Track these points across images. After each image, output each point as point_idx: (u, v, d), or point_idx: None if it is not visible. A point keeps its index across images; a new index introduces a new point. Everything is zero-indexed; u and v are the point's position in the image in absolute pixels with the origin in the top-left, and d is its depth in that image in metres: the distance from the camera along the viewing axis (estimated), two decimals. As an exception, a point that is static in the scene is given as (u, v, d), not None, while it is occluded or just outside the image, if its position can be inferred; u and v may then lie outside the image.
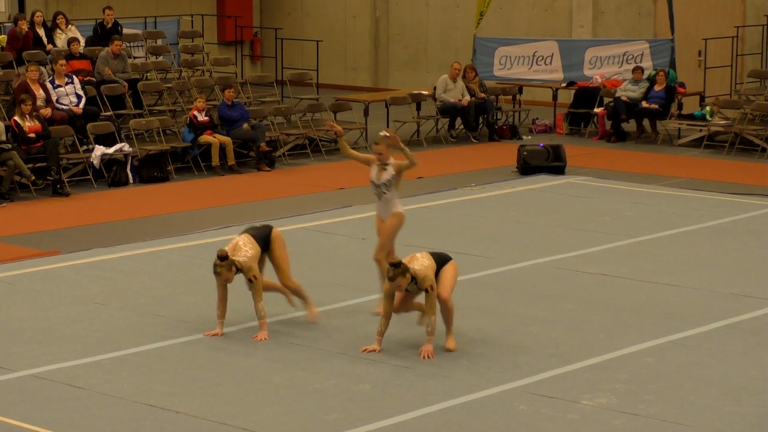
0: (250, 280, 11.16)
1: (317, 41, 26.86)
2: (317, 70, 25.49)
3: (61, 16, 22.21)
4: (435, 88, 23.51)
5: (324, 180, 19.44)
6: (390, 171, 11.77)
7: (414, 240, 14.83)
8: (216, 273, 11.11)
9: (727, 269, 13.82)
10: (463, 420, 9.36)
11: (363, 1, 29.89)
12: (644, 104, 22.89)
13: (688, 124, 23.02)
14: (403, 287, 10.68)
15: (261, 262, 11.47)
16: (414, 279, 10.66)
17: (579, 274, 13.66)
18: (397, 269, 10.56)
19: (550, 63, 25.03)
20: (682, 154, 21.97)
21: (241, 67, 27.52)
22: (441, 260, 10.95)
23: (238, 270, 11.12)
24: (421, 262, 10.74)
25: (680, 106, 23.52)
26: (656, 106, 22.86)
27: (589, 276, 13.57)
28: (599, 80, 24.19)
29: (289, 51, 28.02)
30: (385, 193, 11.81)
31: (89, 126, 19.47)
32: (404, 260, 10.68)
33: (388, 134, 11.91)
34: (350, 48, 30.16)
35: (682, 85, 23.65)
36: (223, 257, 11.06)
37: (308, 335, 11.38)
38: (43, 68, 20.18)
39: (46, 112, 18.97)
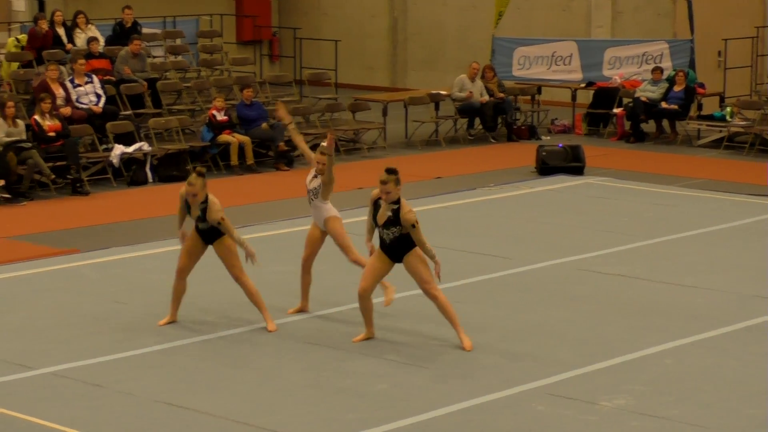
0: (218, 222, 11.21)
1: (335, 41, 26.87)
2: (335, 70, 25.52)
3: (81, 15, 22.26)
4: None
5: (342, 179, 19.27)
6: (319, 180, 11.78)
7: (432, 240, 14.81)
8: (189, 183, 11.17)
9: (748, 270, 13.78)
10: (483, 420, 9.35)
11: (381, 1, 29.90)
12: (663, 105, 22.84)
13: (707, 125, 22.98)
14: (391, 195, 10.66)
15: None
16: (398, 207, 10.66)
17: (598, 274, 13.64)
18: (391, 174, 10.66)
19: (569, 63, 25.01)
20: (702, 155, 21.92)
21: (260, 67, 27.55)
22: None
23: (205, 203, 11.20)
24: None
25: (700, 107, 23.46)
26: (675, 107, 22.81)
27: (609, 277, 13.54)
28: (618, 81, 24.14)
29: (308, 51, 28.04)
30: (312, 199, 11.82)
31: (109, 125, 19.51)
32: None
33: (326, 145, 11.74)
34: (368, 47, 30.16)
35: (702, 85, 23.59)
36: (201, 174, 11.23)
37: (328, 335, 11.38)
38: (62, 67, 20.22)
39: (66, 111, 19.01)
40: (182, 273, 11.61)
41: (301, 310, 11.99)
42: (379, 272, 10.99)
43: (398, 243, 10.82)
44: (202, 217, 11.25)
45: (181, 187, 11.35)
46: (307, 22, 30.23)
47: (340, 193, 18.19)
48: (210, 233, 11.34)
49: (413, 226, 10.66)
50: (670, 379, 10.26)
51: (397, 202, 10.75)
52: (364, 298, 11.05)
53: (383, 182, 10.72)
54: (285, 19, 30.69)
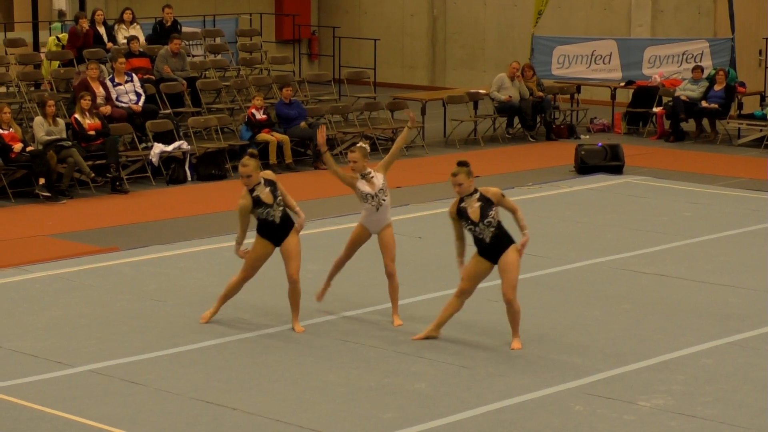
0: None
1: (375, 40, 26.88)
2: (374, 69, 25.54)
3: (128, 11, 22.36)
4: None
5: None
6: (378, 176, 11.60)
7: (468, 240, 14.80)
8: (242, 164, 11.20)
9: (787, 270, 13.71)
10: (519, 420, 9.33)
11: (420, 0, 29.88)
12: (703, 104, 22.73)
13: (748, 124, 22.86)
14: (463, 187, 10.73)
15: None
16: (480, 194, 10.73)
17: (636, 274, 13.59)
18: (461, 167, 10.73)
19: (609, 62, 24.93)
20: (742, 154, 21.79)
21: (299, 66, 27.60)
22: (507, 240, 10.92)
23: (271, 184, 11.23)
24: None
25: (740, 106, 23.34)
26: (716, 106, 22.69)
27: (647, 276, 13.49)
28: (658, 79, 24.05)
29: (347, 49, 28.07)
30: (383, 201, 11.58)
31: (148, 124, 19.60)
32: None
33: (364, 145, 11.74)
34: (407, 46, 30.16)
35: (743, 84, 23.47)
36: (254, 155, 11.30)
37: (363, 333, 11.39)
38: (103, 66, 20.33)
39: (106, 109, 19.11)
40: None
41: (326, 289, 12.05)
42: (482, 274, 11.00)
43: (497, 241, 10.80)
44: (275, 200, 11.21)
45: (239, 201, 11.24)
46: (347, 21, 30.27)
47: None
48: (284, 226, 11.29)
49: (489, 202, 10.70)
50: (707, 379, 10.21)
51: (476, 191, 10.78)
52: (460, 298, 11.06)
53: (454, 174, 10.79)
54: (324, 18, 30.74)
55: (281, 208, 11.27)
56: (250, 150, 11.45)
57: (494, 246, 10.82)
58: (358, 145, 11.74)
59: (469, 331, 11.43)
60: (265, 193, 11.22)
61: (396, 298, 11.73)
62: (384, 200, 11.57)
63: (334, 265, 11.99)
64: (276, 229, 11.28)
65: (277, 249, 11.38)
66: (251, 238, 11.43)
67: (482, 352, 10.88)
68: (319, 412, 9.49)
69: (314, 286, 12.25)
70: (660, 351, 10.93)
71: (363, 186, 11.49)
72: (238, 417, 9.37)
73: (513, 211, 10.79)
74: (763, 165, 20.62)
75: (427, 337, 11.16)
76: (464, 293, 11.05)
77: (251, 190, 11.22)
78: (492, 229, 10.78)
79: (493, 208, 10.75)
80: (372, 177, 11.53)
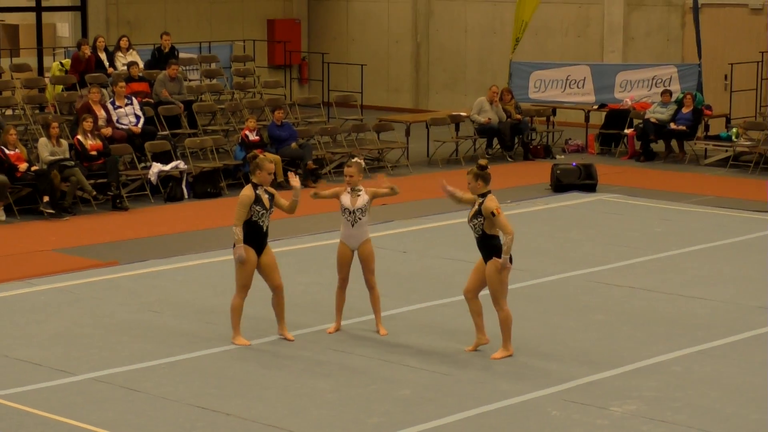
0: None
1: (362, 65, 26.89)
2: (361, 92, 25.54)
3: (124, 38, 22.37)
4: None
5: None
6: (364, 197, 11.52)
7: (453, 253, 14.82)
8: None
9: (752, 283, 13.71)
10: (499, 424, 9.33)
11: (405, 27, 29.93)
12: (672, 126, 22.78)
13: (714, 145, 22.91)
14: (470, 187, 10.86)
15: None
16: (482, 201, 10.76)
17: (609, 286, 13.60)
18: (479, 170, 10.83)
19: (583, 86, 24.98)
20: (709, 173, 21.84)
21: (290, 90, 27.59)
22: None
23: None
24: (495, 200, 10.84)
25: (707, 128, 23.40)
26: (684, 128, 22.75)
27: (619, 288, 13.50)
28: (629, 103, 24.10)
29: (335, 74, 28.09)
30: (359, 218, 11.48)
31: (147, 144, 19.57)
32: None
33: (360, 160, 11.70)
34: (393, 71, 30.19)
35: (709, 107, 23.52)
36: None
37: (352, 343, 11.37)
38: (104, 90, 20.31)
39: (107, 131, 19.08)
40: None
41: (337, 330, 11.75)
42: (480, 273, 10.98)
43: (480, 243, 10.86)
44: (270, 207, 11.14)
45: (243, 192, 11.12)
46: (335, 48, 30.29)
47: (365, 209, 18.25)
48: (267, 236, 11.21)
49: (493, 214, 10.69)
50: (677, 386, 10.21)
51: (483, 196, 10.81)
52: (468, 299, 11.07)
53: (467, 173, 10.98)
54: (314, 45, 30.77)
55: (269, 218, 11.22)
56: (480, 162, 11.10)
57: (480, 249, 10.91)
58: (354, 159, 11.69)
59: (452, 339, 11.43)
60: (265, 197, 11.16)
61: (378, 308, 11.70)
62: (360, 218, 11.49)
63: (337, 297, 11.69)
64: (261, 237, 11.19)
65: None
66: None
67: (464, 360, 10.87)
68: (309, 417, 9.47)
69: (304, 297, 12.23)
70: (632, 359, 10.93)
71: (345, 199, 11.44)
72: (233, 422, 9.34)
73: (503, 233, 10.76)
74: (729, 183, 20.67)
75: (477, 347, 11.07)
76: (467, 291, 11.09)
77: (255, 187, 11.11)
78: (476, 235, 10.84)
79: (480, 218, 10.76)
80: (359, 194, 11.50)
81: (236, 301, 11.29)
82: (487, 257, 10.86)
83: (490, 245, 10.83)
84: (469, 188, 10.99)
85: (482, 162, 11.01)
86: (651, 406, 9.71)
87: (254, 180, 11.21)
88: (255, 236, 11.15)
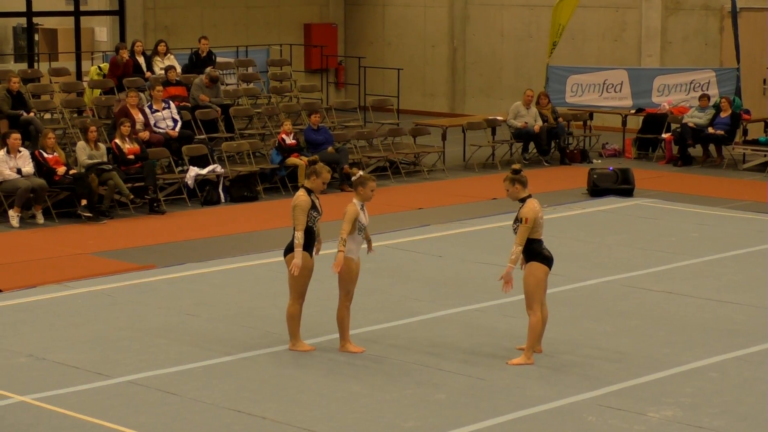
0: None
1: (398, 69, 26.91)
2: (398, 97, 25.56)
3: (162, 44, 22.46)
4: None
5: (403, 200, 19.45)
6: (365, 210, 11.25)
7: (487, 258, 14.81)
8: (314, 170, 11.00)
9: (790, 288, 13.64)
10: (534, 429, 9.30)
11: (441, 32, 29.93)
12: (710, 130, 22.66)
13: (752, 150, 22.77)
14: (509, 193, 10.85)
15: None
16: (521, 207, 10.72)
17: (646, 291, 13.54)
18: (513, 174, 10.80)
19: (620, 91, 24.90)
20: (747, 178, 21.71)
21: (326, 94, 27.65)
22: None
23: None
24: (535, 206, 10.77)
25: (745, 132, 23.27)
26: (722, 132, 22.63)
27: (656, 293, 13.44)
28: (667, 107, 24.00)
29: (372, 78, 28.11)
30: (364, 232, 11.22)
31: (184, 148, 19.65)
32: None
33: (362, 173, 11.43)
34: (429, 75, 30.19)
35: (747, 111, 23.39)
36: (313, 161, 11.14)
37: (387, 347, 11.37)
38: (142, 94, 20.41)
39: (145, 135, 19.18)
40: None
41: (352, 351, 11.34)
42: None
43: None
44: (321, 213, 11.08)
45: (301, 198, 10.91)
46: (372, 52, 30.32)
47: (402, 213, 18.25)
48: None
49: (519, 220, 10.69)
50: (714, 392, 10.16)
51: (523, 201, 10.79)
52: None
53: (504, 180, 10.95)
54: (351, 49, 30.81)
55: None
56: (513, 166, 11.03)
57: (522, 252, 10.87)
58: (368, 174, 11.50)
59: (488, 343, 11.40)
60: (317, 202, 11.09)
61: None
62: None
63: (346, 316, 11.21)
64: (313, 240, 11.09)
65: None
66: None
67: (499, 366, 10.84)
68: (344, 421, 9.47)
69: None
70: (668, 364, 10.88)
71: (362, 217, 11.11)
72: (268, 425, 9.36)
73: (517, 240, 10.72)
74: (766, 188, 20.53)
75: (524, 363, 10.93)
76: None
77: (308, 192, 11.01)
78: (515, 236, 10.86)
79: (519, 222, 10.76)
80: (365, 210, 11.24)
81: (293, 309, 11.14)
82: (527, 260, 10.85)
83: (529, 249, 10.81)
84: (508, 195, 10.95)
85: (516, 166, 10.97)
86: (688, 412, 9.65)
87: (308, 185, 11.08)
88: (309, 241, 11.04)
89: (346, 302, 11.15)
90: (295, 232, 10.91)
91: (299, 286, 11.08)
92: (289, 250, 11.01)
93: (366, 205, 11.15)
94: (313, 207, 11.01)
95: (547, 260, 10.85)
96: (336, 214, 12.11)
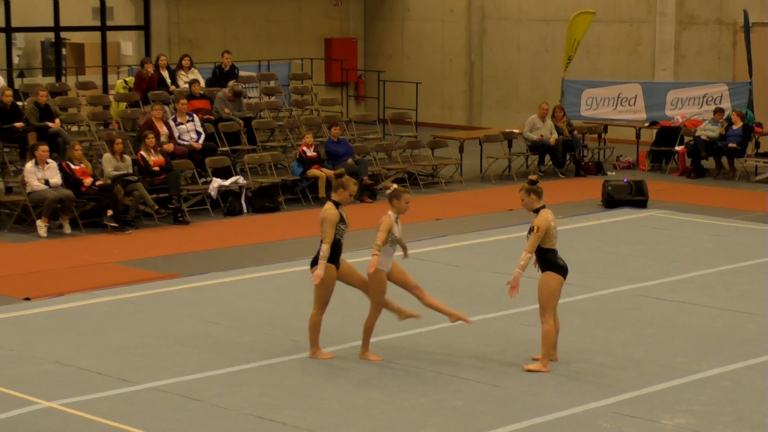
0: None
1: (416, 83, 26.92)
2: (416, 110, 25.56)
3: (186, 58, 22.52)
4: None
5: (421, 211, 19.42)
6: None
7: (503, 267, 14.76)
8: (341, 183, 10.96)
9: (801, 298, 13.57)
10: (550, 436, 9.27)
11: (459, 46, 29.93)
12: (730, 145, 22.55)
13: (764, 162, 22.71)
14: (523, 203, 10.86)
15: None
16: (536, 216, 10.72)
17: (659, 301, 13.49)
18: (529, 185, 10.80)
19: (634, 104, 24.85)
20: (759, 190, 21.63)
21: (347, 107, 27.68)
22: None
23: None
24: (548, 216, 10.73)
25: (757, 145, 23.19)
26: (735, 145, 22.55)
27: (669, 303, 13.39)
28: (680, 120, 23.94)
29: (391, 92, 28.13)
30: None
31: (207, 160, 19.68)
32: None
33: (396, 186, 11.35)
34: (446, 89, 30.19)
35: (759, 125, 23.32)
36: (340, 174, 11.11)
37: (406, 355, 11.36)
38: (166, 107, 20.44)
39: (169, 147, 19.22)
40: None
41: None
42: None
43: (537, 256, 10.83)
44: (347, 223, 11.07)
45: (329, 212, 10.86)
46: (391, 66, 30.35)
47: (420, 224, 18.23)
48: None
49: (531, 229, 10.69)
50: (727, 400, 10.10)
51: (537, 211, 10.79)
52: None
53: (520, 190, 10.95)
54: (370, 63, 30.84)
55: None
56: (530, 177, 11.00)
57: (537, 261, 10.86)
58: (404, 188, 11.40)
59: (504, 351, 11.38)
60: (344, 214, 11.04)
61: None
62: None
63: (373, 327, 11.22)
64: (339, 252, 11.05)
65: None
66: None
67: (515, 373, 10.81)
68: (363, 427, 9.46)
69: (359, 310, 12.22)
70: (682, 373, 10.83)
71: (396, 230, 11.06)
72: (289, 431, 9.35)
73: (528, 247, 10.72)
74: (779, 200, 20.51)
75: (540, 370, 10.88)
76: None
77: (336, 205, 10.98)
78: None
79: (530, 233, 10.75)
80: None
81: (316, 318, 11.12)
82: (542, 270, 10.83)
83: (544, 258, 10.79)
84: (523, 204, 10.95)
85: (533, 177, 10.97)
86: (701, 420, 9.61)
87: (335, 198, 11.07)
88: (336, 253, 10.98)
89: (376, 313, 11.13)
90: (322, 245, 10.89)
91: (324, 297, 11.06)
92: (316, 261, 11.00)
93: (373, 215, 11.11)
94: (341, 220, 10.99)
95: (562, 270, 10.84)
96: (356, 225, 12.11)
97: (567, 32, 25.17)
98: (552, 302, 10.81)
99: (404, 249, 11.49)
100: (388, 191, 11.25)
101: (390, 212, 11.06)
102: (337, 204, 11.05)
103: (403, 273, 11.18)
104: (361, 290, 11.28)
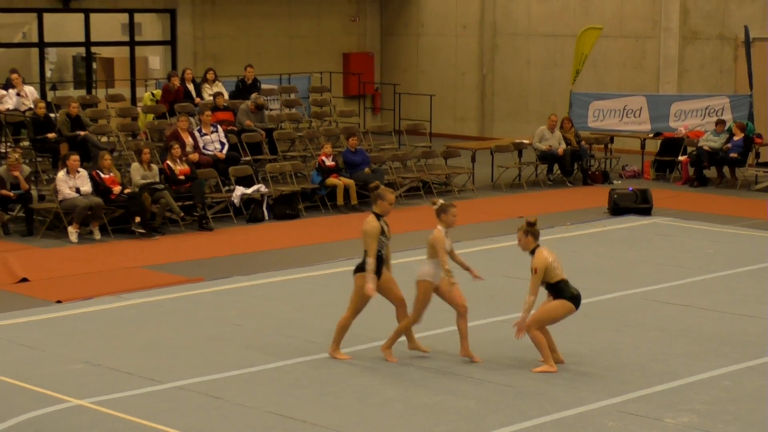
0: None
1: (430, 95, 26.91)
2: (430, 121, 25.55)
3: (211, 72, 22.57)
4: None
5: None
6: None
7: (514, 272, 14.76)
8: (379, 194, 10.82)
9: (800, 302, 13.52)
10: (558, 434, 9.26)
11: (471, 60, 29.93)
12: (731, 155, 22.48)
13: (764, 171, 22.64)
14: (519, 243, 10.74)
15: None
16: (532, 257, 10.65)
17: (663, 304, 13.46)
18: (528, 226, 10.67)
19: (639, 116, 24.80)
20: (759, 198, 21.56)
21: (364, 118, 27.68)
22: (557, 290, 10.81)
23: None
24: (544, 255, 10.64)
25: (757, 155, 23.13)
26: (736, 155, 22.50)
27: (673, 306, 13.36)
28: (683, 131, 23.89)
29: (406, 104, 28.13)
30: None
31: (231, 169, 19.72)
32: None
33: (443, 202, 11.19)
34: (459, 101, 30.18)
35: (760, 135, 23.26)
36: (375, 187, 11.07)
37: (420, 356, 11.35)
38: (191, 119, 20.50)
39: (194, 156, 19.25)
40: None
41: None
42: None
43: (548, 290, 10.80)
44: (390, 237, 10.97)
45: (371, 224, 10.71)
46: (406, 79, 30.35)
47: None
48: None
49: (533, 271, 10.64)
50: (729, 400, 10.08)
51: (533, 252, 10.71)
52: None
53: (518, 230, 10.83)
54: (386, 76, 30.85)
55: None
56: (528, 219, 10.77)
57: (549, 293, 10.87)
58: (449, 202, 11.23)
59: (513, 352, 11.36)
60: (386, 227, 10.88)
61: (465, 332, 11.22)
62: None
63: (405, 329, 11.19)
64: (382, 264, 10.92)
65: None
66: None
67: (524, 374, 10.80)
68: (379, 425, 9.46)
69: (379, 312, 12.24)
70: (685, 373, 10.81)
71: (447, 244, 10.93)
72: (308, 429, 9.36)
73: (527, 293, 10.71)
74: (779, 207, 20.45)
75: (547, 371, 10.85)
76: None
77: (378, 217, 10.81)
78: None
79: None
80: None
81: (347, 321, 11.08)
82: (555, 298, 10.81)
83: (556, 290, 10.77)
84: (519, 244, 10.85)
85: (531, 219, 10.81)
86: (704, 419, 9.58)
87: (376, 210, 10.88)
88: (378, 265, 10.85)
89: (412, 321, 11.08)
90: (367, 258, 10.74)
91: (360, 305, 11.02)
92: (360, 269, 10.88)
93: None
94: (383, 233, 10.80)
95: (575, 299, 10.76)
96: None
97: (575, 47, 25.15)
98: (546, 322, 10.79)
99: (469, 270, 11.22)
100: (435, 206, 11.03)
101: (439, 227, 10.95)
102: (378, 216, 10.88)
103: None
104: (394, 305, 11.16)
